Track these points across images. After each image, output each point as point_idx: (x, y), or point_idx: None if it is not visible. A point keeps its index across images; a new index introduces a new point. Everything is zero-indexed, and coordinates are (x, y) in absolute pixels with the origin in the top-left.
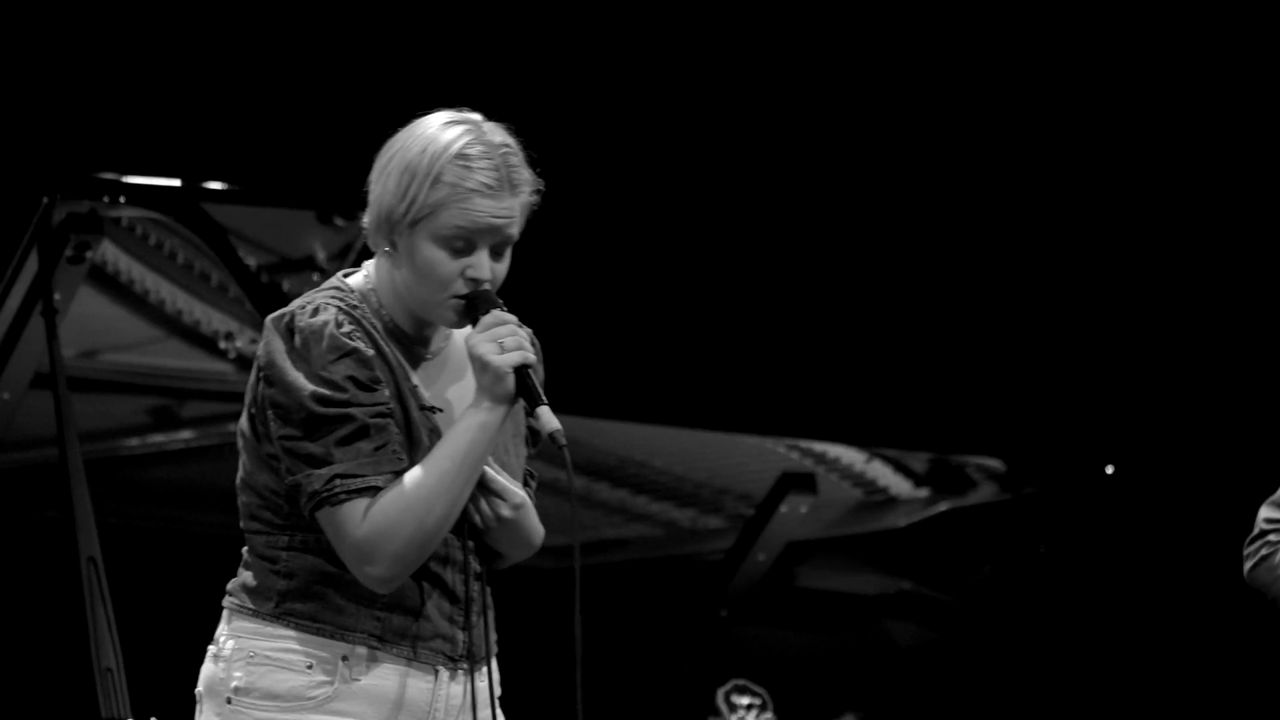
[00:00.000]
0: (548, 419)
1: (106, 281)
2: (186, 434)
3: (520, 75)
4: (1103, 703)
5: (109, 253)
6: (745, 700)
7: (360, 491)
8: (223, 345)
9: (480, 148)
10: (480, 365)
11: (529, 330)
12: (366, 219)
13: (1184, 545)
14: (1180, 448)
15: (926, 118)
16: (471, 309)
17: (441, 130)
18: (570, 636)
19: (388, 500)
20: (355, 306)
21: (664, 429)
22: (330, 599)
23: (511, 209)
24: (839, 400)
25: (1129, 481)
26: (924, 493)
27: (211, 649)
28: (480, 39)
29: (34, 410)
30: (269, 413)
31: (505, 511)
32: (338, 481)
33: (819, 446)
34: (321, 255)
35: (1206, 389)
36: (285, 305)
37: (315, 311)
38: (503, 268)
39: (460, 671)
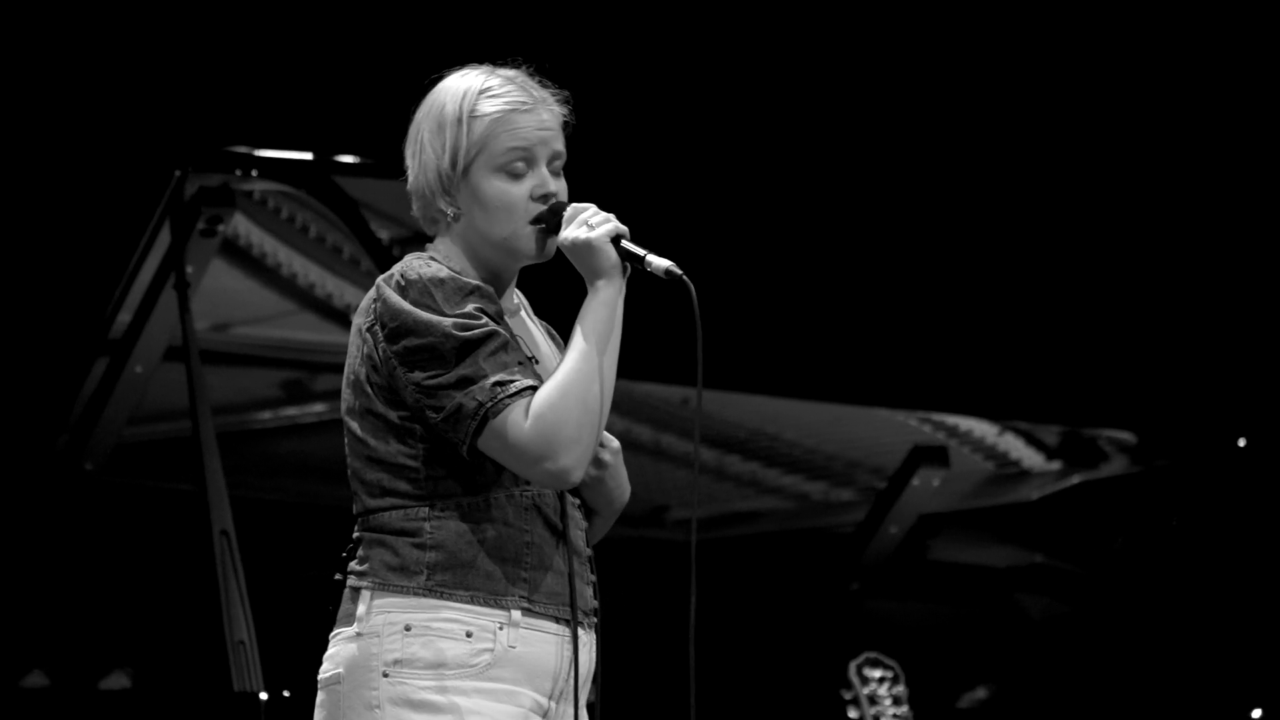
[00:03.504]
0: (658, 263)
1: (239, 255)
2: (319, 407)
3: (652, 62)
4: (1234, 676)
5: (241, 226)
6: (877, 673)
7: (520, 393)
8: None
9: (497, 79)
10: (581, 249)
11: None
12: (416, 204)
13: None
14: None
15: (1053, 104)
16: (552, 222)
17: (455, 82)
18: (704, 607)
19: (545, 394)
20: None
21: (796, 402)
22: (480, 564)
23: (551, 121)
24: (971, 373)
25: (1262, 454)
26: (1056, 465)
27: (348, 630)
28: (610, 24)
29: (167, 383)
30: (403, 366)
31: (606, 456)
32: (498, 389)
33: (951, 419)
34: None
35: None
36: None
37: (424, 265)
38: (563, 186)
39: (589, 629)
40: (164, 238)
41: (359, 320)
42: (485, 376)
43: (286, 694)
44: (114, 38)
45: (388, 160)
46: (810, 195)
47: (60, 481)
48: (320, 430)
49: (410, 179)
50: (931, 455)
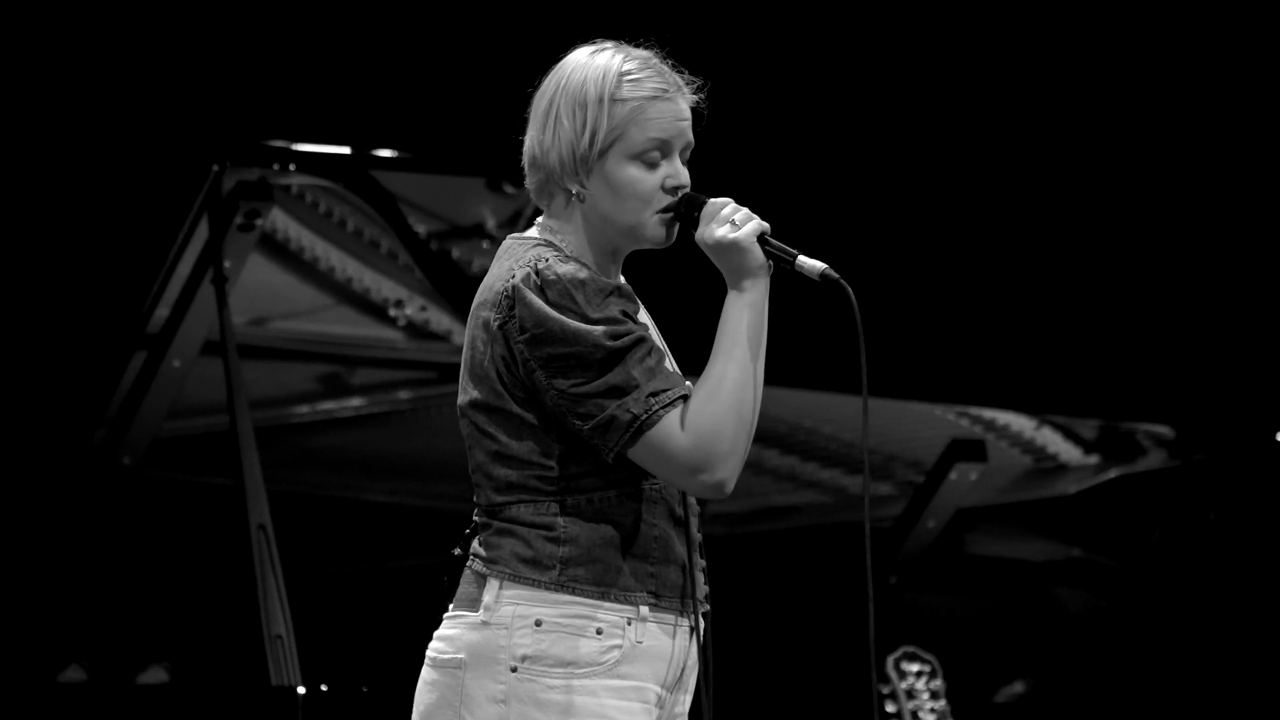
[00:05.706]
0: (810, 264)
1: (276, 249)
2: (356, 401)
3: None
4: (1272, 671)
5: (279, 220)
6: (914, 667)
7: (674, 403)
8: (392, 312)
9: (636, 62)
10: (727, 249)
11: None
12: (534, 175)
13: None
14: None
15: (1098, 100)
16: (685, 213)
17: (592, 59)
18: (742, 601)
19: (698, 404)
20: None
21: (833, 395)
22: (611, 561)
23: (686, 111)
24: (1009, 367)
25: None
26: (1093, 459)
27: (473, 616)
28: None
29: (204, 377)
30: (544, 370)
31: None
32: (653, 400)
33: (988, 413)
34: (491, 222)
35: None
36: (454, 272)
37: (559, 262)
38: (687, 173)
39: (701, 616)
40: (202, 232)
41: (488, 314)
42: (638, 386)
43: (324, 688)
44: (152, 32)
45: (425, 154)
46: (845, 187)
47: (98, 476)
48: (358, 424)
49: (533, 148)
50: (969, 449)
